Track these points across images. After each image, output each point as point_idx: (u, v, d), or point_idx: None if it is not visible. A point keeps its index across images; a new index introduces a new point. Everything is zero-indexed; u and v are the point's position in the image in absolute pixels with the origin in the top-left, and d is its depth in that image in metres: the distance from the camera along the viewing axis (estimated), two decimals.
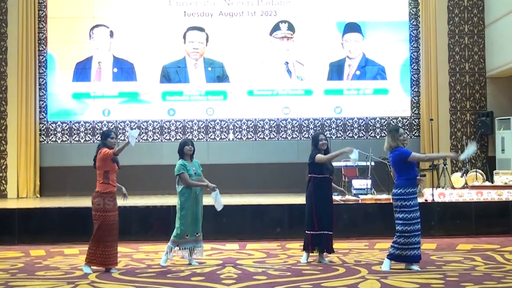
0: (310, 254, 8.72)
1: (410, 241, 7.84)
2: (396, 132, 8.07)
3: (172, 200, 12.03)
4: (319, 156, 8.60)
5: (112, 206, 8.09)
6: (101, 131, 9.13)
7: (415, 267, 7.90)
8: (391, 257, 7.96)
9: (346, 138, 15.86)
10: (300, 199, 11.69)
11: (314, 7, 16.10)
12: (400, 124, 15.83)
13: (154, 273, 8.05)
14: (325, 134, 9.16)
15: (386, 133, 8.29)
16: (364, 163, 13.65)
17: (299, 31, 16.08)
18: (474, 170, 13.27)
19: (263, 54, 16.05)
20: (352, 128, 16.03)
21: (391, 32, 16.17)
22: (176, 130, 15.86)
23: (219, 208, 8.87)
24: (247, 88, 15.98)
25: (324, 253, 8.65)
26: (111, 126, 15.69)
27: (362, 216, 11.47)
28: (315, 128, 15.87)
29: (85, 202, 11.45)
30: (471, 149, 8.16)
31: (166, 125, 15.89)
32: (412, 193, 7.94)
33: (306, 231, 8.66)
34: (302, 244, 8.84)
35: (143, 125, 15.83)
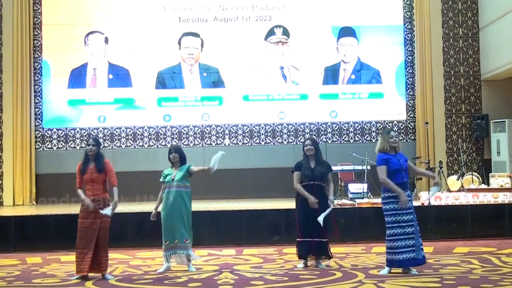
0: (309, 259, 8.75)
1: (393, 245, 7.84)
2: (387, 134, 8.10)
3: None
4: (296, 186, 8.71)
5: (84, 213, 8.12)
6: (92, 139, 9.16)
7: (412, 270, 7.89)
8: (387, 263, 7.97)
9: (342, 142, 15.86)
10: None
11: (309, 11, 16.13)
12: (395, 128, 15.85)
13: (151, 279, 8.04)
14: (313, 138, 9.12)
15: (381, 138, 8.29)
16: (360, 167, 13.67)
17: (294, 36, 16.10)
18: (470, 173, 13.30)
19: (258, 59, 16.06)
20: (347, 132, 16.04)
21: (385, 36, 16.21)
22: (172, 136, 15.86)
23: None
24: (243, 93, 15.99)
25: (320, 259, 8.67)
26: (107, 132, 15.67)
27: (358, 220, 11.48)
28: (310, 133, 15.88)
29: None
30: (434, 190, 8.29)
31: (162, 131, 15.88)
32: (388, 197, 7.93)
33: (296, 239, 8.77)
34: None
35: (139, 131, 15.82)
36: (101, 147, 8.61)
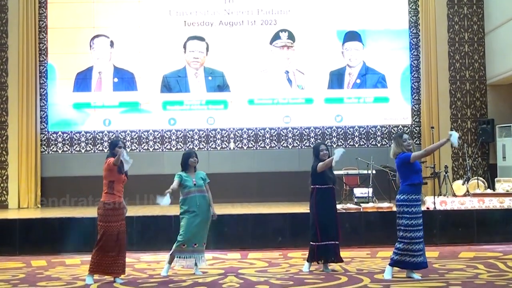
0: (313, 263, 8.72)
1: (410, 247, 7.82)
2: (400, 138, 8.11)
3: (173, 210, 12.01)
4: (319, 165, 8.59)
5: (116, 216, 8.03)
6: (109, 141, 9.16)
7: (416, 275, 7.87)
8: (392, 263, 7.96)
9: (347, 146, 15.83)
10: (301, 208, 11.71)
11: (314, 16, 16.13)
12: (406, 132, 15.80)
13: (156, 283, 8.03)
14: (326, 144, 9.13)
15: (388, 141, 8.31)
16: (365, 172, 13.65)
17: (299, 40, 16.10)
18: (476, 177, 13.25)
19: (264, 63, 16.06)
20: (353, 136, 16.02)
21: (391, 40, 16.19)
22: (177, 140, 15.86)
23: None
24: (248, 97, 15.99)
25: (328, 263, 8.65)
26: (112, 136, 15.69)
27: (363, 225, 11.45)
28: (316, 137, 15.87)
29: (86, 212, 11.49)
30: (455, 136, 8.08)
31: (167, 134, 15.89)
32: (415, 199, 7.93)
33: (311, 242, 8.63)
34: (306, 253, 8.80)
35: (144, 135, 15.83)
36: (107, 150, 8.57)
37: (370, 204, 12.25)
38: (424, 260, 7.89)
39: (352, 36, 16.18)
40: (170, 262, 8.58)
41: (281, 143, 15.97)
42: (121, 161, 7.88)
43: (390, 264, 7.99)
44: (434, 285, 7.39)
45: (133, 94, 15.89)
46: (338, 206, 10.95)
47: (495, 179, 13.70)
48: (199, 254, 8.59)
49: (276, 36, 16.12)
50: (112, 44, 15.95)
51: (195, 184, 8.60)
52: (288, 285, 7.62)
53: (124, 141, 15.49)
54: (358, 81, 16.14)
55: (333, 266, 8.78)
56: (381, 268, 8.62)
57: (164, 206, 8.33)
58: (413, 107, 16.19)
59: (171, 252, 8.56)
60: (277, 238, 11.25)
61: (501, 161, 15.18)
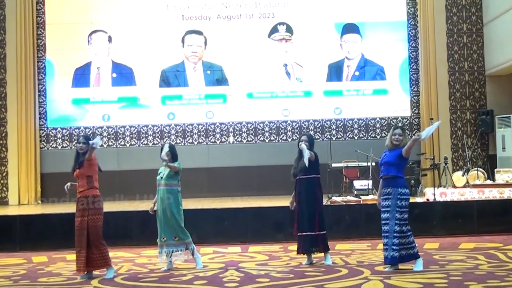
0: (313, 256, 8.75)
1: (410, 240, 7.83)
2: (392, 131, 8.12)
3: None
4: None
5: (77, 212, 8.14)
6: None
7: (418, 267, 7.87)
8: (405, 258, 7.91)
9: (346, 139, 15.83)
10: None
11: (312, 8, 16.10)
12: (400, 124, 15.79)
13: (157, 277, 8.04)
14: (309, 134, 9.27)
15: (387, 134, 8.33)
16: (365, 164, 13.65)
17: (298, 33, 16.08)
18: (476, 168, 13.24)
19: (262, 56, 16.05)
20: (352, 129, 16.02)
21: (389, 32, 16.17)
22: (176, 134, 15.85)
23: None
24: (247, 91, 15.98)
25: (312, 254, 8.74)
26: (111, 131, 15.69)
27: (363, 217, 11.45)
28: (315, 130, 15.86)
29: None
30: (433, 126, 8.10)
31: (166, 129, 15.88)
32: (408, 194, 8.04)
33: None
34: None
35: (143, 130, 15.82)
36: (100, 145, 8.63)
37: (370, 196, 12.26)
38: (386, 256, 7.87)
39: (350, 28, 16.16)
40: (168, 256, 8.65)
41: (281, 136, 15.97)
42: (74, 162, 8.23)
43: (405, 260, 7.99)
44: (434, 276, 7.39)
45: (131, 89, 15.88)
46: (338, 199, 11.00)
47: (495, 170, 13.69)
48: (169, 248, 8.57)
49: (274, 29, 16.10)
50: (110, 39, 15.92)
51: (162, 177, 8.74)
52: (289, 278, 7.63)
53: (123, 136, 15.49)
54: (357, 73, 16.12)
55: (333, 258, 8.79)
56: (382, 260, 8.60)
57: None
58: (412, 98, 16.18)
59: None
60: (277, 231, 11.24)
61: (500, 152, 15.18)
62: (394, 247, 7.79)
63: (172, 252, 8.57)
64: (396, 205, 7.86)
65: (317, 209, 8.69)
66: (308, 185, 8.71)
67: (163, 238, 8.59)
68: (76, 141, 8.38)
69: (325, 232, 8.68)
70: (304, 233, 8.61)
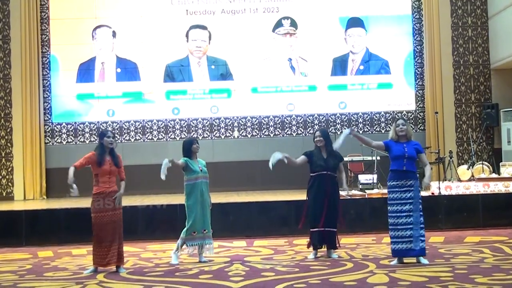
0: (319, 250, 8.76)
1: (396, 234, 7.86)
2: (395, 123, 8.14)
3: (178, 199, 12.04)
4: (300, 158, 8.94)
5: (104, 207, 8.07)
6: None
7: (424, 260, 7.85)
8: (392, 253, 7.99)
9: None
10: (306, 195, 11.67)
11: (316, 2, 16.08)
12: (405, 118, 15.75)
13: (162, 272, 8.04)
14: (324, 130, 9.20)
15: (391, 127, 8.34)
16: (370, 158, 13.64)
17: (302, 27, 16.06)
18: (481, 162, 13.23)
19: (266, 51, 16.04)
20: (357, 123, 16.01)
21: (394, 26, 16.14)
22: (181, 129, 15.86)
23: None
24: (251, 86, 15.97)
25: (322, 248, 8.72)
26: (116, 126, 15.70)
27: (368, 211, 11.45)
28: (320, 124, 15.86)
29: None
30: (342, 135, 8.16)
31: (171, 124, 15.89)
32: (393, 186, 7.95)
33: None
34: None
35: (148, 125, 15.84)
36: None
37: (375, 190, 12.27)
38: (415, 248, 7.81)
39: (354, 22, 16.13)
40: (178, 250, 8.60)
41: (285, 131, 15.96)
42: (99, 154, 8.08)
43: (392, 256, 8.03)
44: (440, 270, 7.38)
45: (136, 84, 15.89)
46: (343, 193, 10.97)
47: (500, 164, 13.68)
48: (210, 240, 8.64)
49: (279, 24, 16.08)
50: (114, 34, 15.93)
51: (201, 170, 8.62)
52: (294, 272, 7.62)
53: (128, 131, 15.51)
54: (362, 67, 16.10)
55: (338, 252, 8.79)
56: (387, 254, 8.62)
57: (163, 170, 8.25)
58: (417, 92, 16.16)
59: (181, 240, 8.57)
60: (282, 225, 11.25)
61: (506, 145, 15.15)
62: (422, 238, 7.86)
63: (204, 244, 8.59)
64: (419, 197, 7.96)
65: (340, 207, 8.83)
66: (334, 183, 8.76)
67: (204, 231, 8.57)
68: (102, 135, 8.31)
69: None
70: (330, 229, 8.60)
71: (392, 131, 8.15)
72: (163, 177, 8.14)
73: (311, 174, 8.79)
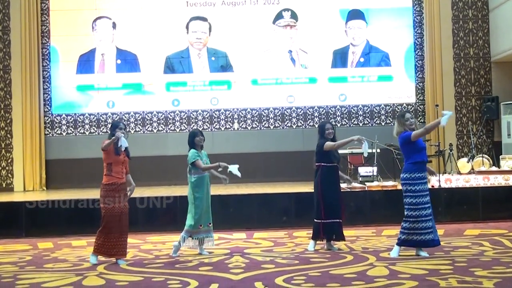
0: (318, 242, 8.75)
1: (417, 226, 7.81)
2: (402, 117, 8.08)
3: (178, 191, 12.06)
4: (328, 144, 8.60)
5: (116, 198, 8.05)
6: (111, 123, 9.28)
7: (424, 253, 7.88)
8: (399, 242, 7.96)
9: (351, 125, 15.82)
10: (306, 187, 11.70)
11: None
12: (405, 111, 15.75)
13: (162, 263, 8.06)
14: (332, 122, 9.16)
15: (392, 120, 8.31)
16: (369, 150, 13.62)
17: (302, 19, 16.02)
18: (481, 155, 13.23)
19: (267, 42, 16.00)
20: (357, 115, 15.99)
21: (394, 19, 16.10)
22: (181, 121, 15.85)
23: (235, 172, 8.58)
24: (251, 77, 15.95)
25: (332, 241, 8.67)
26: (116, 117, 15.68)
27: (368, 204, 11.47)
28: (320, 116, 15.84)
29: (92, 194, 11.52)
30: (446, 116, 7.87)
31: (171, 115, 15.87)
32: (419, 178, 7.89)
33: (315, 220, 8.67)
34: (311, 232, 8.84)
35: (148, 116, 15.82)
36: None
37: (375, 183, 12.26)
38: (435, 238, 7.86)
39: (355, 14, 16.09)
40: (180, 242, 8.59)
41: (285, 123, 15.95)
42: (116, 143, 7.96)
43: (397, 244, 7.99)
44: (439, 263, 7.40)
45: (136, 76, 15.86)
46: (343, 185, 10.99)
47: (500, 157, 13.69)
48: (212, 233, 8.69)
49: (279, 16, 16.04)
50: (114, 25, 15.89)
51: (206, 163, 8.65)
52: (294, 264, 7.64)
53: (127, 122, 15.49)
54: (362, 59, 16.07)
55: (338, 244, 8.80)
56: (387, 247, 8.65)
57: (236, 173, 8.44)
58: (417, 85, 16.14)
59: (186, 233, 8.56)
60: (282, 217, 11.27)
61: (506, 139, 15.14)
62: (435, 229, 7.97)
63: (205, 238, 8.62)
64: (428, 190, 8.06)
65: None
66: (338, 174, 8.82)
67: (209, 224, 8.63)
68: (114, 126, 8.25)
69: None
70: (339, 220, 8.63)
71: (399, 125, 8.05)
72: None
73: (325, 164, 8.65)
